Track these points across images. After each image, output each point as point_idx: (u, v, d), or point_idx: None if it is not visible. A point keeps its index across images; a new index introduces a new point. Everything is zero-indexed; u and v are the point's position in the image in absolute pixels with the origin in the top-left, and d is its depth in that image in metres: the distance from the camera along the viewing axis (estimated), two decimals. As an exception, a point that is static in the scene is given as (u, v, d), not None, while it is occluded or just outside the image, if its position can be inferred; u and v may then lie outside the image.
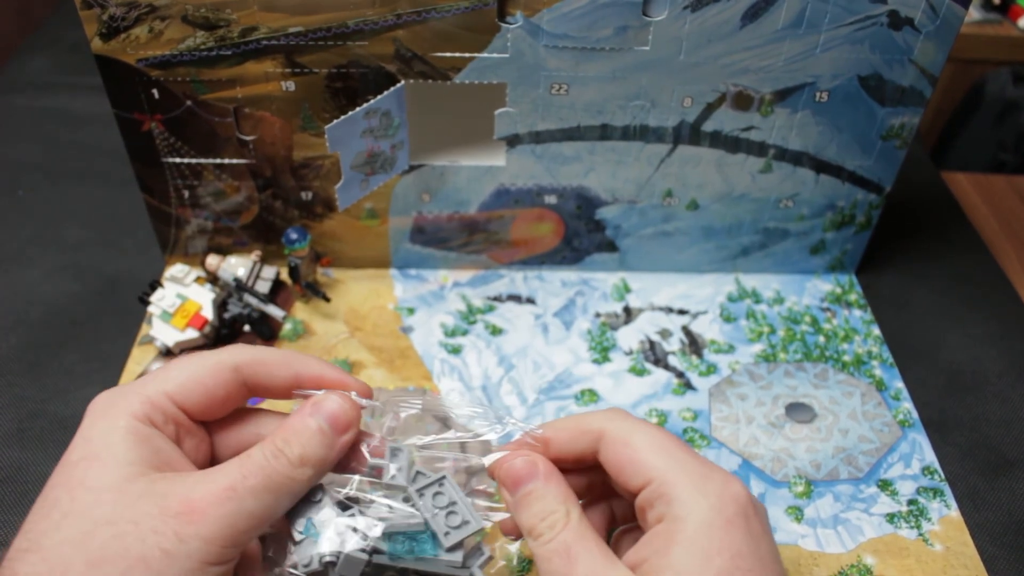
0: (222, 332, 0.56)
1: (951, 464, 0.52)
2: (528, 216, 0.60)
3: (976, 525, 0.48)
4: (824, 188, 0.59)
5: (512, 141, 0.55)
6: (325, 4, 0.48)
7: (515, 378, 0.56)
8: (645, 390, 0.56)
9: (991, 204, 0.78)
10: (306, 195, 0.58)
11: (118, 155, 0.58)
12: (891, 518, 0.48)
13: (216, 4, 0.48)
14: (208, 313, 0.55)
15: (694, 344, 0.59)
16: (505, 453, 0.36)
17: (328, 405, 0.34)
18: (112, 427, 0.31)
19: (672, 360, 0.58)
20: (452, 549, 0.34)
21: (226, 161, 0.56)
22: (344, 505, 0.35)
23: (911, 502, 0.49)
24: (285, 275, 0.61)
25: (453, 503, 0.35)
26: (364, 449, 0.36)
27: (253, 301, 0.57)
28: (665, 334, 0.60)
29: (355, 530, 0.34)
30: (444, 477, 0.36)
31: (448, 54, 0.50)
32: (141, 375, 0.54)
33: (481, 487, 0.38)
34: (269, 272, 0.59)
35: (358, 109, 0.50)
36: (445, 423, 0.47)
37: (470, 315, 0.60)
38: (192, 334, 0.54)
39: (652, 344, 0.59)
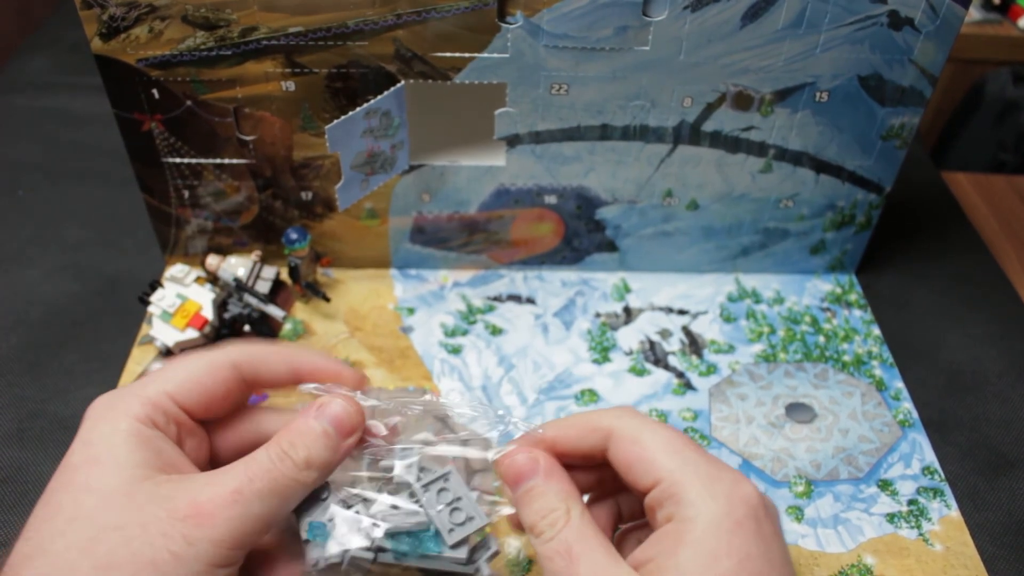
0: (222, 332, 0.56)
1: (951, 464, 0.52)
2: (528, 216, 0.60)
3: (976, 525, 0.48)
4: (824, 188, 0.59)
5: (512, 141, 0.55)
6: (325, 4, 0.48)
7: (515, 378, 0.56)
8: (645, 390, 0.56)
9: (991, 204, 0.78)
10: (306, 195, 0.58)
11: (118, 155, 0.58)
12: (891, 518, 0.48)
13: (216, 4, 0.48)
14: (208, 313, 0.55)
15: (694, 344, 0.59)
16: (511, 448, 0.36)
17: (333, 408, 0.35)
18: (113, 430, 0.31)
19: (672, 360, 0.58)
20: (456, 546, 0.34)
21: (226, 161, 0.56)
22: (349, 503, 0.35)
23: (911, 502, 0.49)
24: (285, 275, 0.61)
25: (458, 499, 0.35)
26: (368, 447, 0.36)
27: (253, 301, 0.57)
28: (665, 334, 0.60)
29: (359, 529, 0.34)
30: (450, 472, 0.36)
31: (448, 54, 0.50)
32: (141, 375, 0.54)
33: (487, 483, 0.38)
34: (269, 272, 0.59)
35: (358, 109, 0.50)
36: (445, 422, 0.47)
37: (470, 315, 0.60)
38: (192, 334, 0.54)
39: (652, 344, 0.59)
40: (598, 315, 0.61)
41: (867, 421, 0.54)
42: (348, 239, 0.61)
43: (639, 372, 0.57)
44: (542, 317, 0.60)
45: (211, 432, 0.36)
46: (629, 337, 0.59)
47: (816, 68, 0.52)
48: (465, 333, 0.59)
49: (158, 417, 0.33)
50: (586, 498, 0.39)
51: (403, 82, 0.51)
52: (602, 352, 0.58)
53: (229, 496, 0.30)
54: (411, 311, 0.60)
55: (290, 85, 0.52)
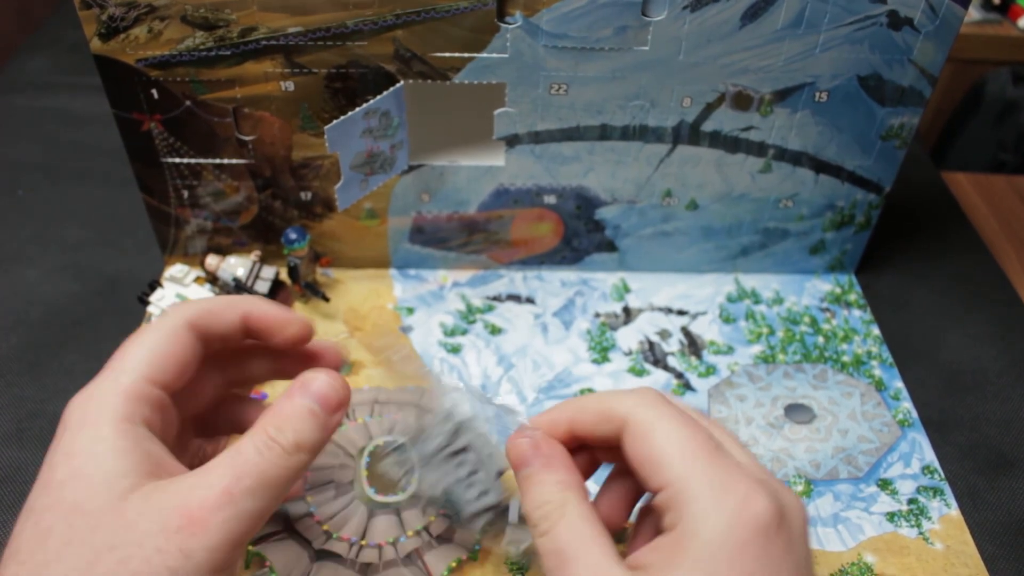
0: (222, 332, 0.56)
1: (951, 463, 0.52)
2: (527, 216, 0.60)
3: (976, 524, 0.48)
4: (824, 188, 0.59)
5: (511, 141, 0.55)
6: (324, 4, 0.48)
7: (514, 377, 0.56)
8: (645, 390, 0.56)
9: (991, 204, 0.78)
10: (305, 195, 0.58)
11: (118, 155, 0.58)
12: (891, 517, 0.48)
13: (215, 4, 0.48)
14: (208, 313, 0.55)
15: (693, 345, 0.59)
16: (520, 429, 0.35)
17: (317, 384, 0.33)
18: (95, 437, 0.30)
19: (671, 361, 0.58)
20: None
21: (225, 161, 0.56)
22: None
23: (911, 501, 0.49)
24: (284, 275, 0.61)
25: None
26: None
27: (253, 301, 0.57)
28: (664, 335, 0.60)
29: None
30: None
31: (447, 54, 0.50)
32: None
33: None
34: (268, 272, 0.59)
35: (357, 109, 0.50)
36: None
37: (469, 315, 0.60)
38: (192, 334, 0.54)
39: (651, 344, 0.59)
40: (597, 315, 0.61)
41: (866, 421, 0.54)
42: (347, 239, 0.61)
43: (638, 372, 0.57)
44: (541, 317, 0.60)
45: (189, 408, 0.36)
46: (628, 337, 0.59)
47: (815, 68, 0.52)
48: (464, 333, 0.59)
49: (141, 410, 0.31)
50: (610, 468, 0.38)
51: (402, 82, 0.51)
52: (601, 352, 0.58)
53: (219, 498, 0.29)
54: (410, 311, 0.60)
55: (289, 85, 0.52)
